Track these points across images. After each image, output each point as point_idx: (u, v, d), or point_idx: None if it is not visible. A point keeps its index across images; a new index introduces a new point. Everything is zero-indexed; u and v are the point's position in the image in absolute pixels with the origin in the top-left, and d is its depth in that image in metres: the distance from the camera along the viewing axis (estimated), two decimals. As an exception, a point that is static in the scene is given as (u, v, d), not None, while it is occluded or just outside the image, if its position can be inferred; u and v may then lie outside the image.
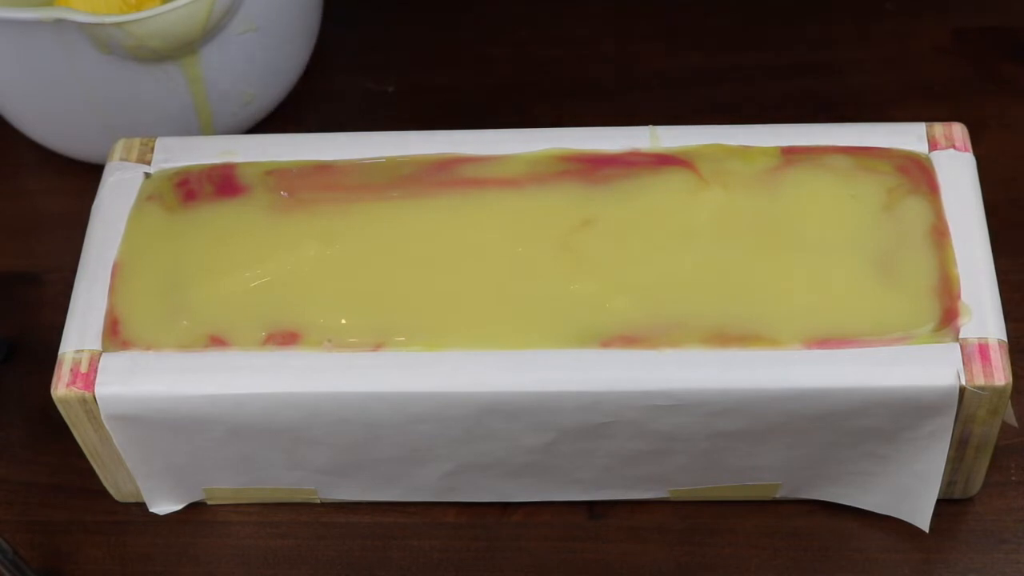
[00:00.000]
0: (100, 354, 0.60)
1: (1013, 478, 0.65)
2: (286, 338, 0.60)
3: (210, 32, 0.70)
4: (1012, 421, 0.60)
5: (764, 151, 0.64)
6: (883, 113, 0.78)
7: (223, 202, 0.64)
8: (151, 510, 0.65)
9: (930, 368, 0.58)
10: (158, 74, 0.71)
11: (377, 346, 0.60)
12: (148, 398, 0.60)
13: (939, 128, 0.65)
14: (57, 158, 0.78)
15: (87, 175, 0.73)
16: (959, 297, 0.59)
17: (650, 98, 0.80)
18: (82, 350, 0.60)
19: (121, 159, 0.66)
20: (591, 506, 0.65)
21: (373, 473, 0.63)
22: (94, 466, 0.64)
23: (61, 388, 0.60)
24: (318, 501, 0.65)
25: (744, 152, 0.64)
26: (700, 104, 0.79)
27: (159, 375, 0.60)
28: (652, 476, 0.63)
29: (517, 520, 0.65)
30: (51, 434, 0.66)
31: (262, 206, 0.64)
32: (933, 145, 0.64)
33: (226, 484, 0.64)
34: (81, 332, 0.61)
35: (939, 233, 0.61)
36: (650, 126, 0.66)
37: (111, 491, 0.66)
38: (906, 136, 0.65)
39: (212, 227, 0.64)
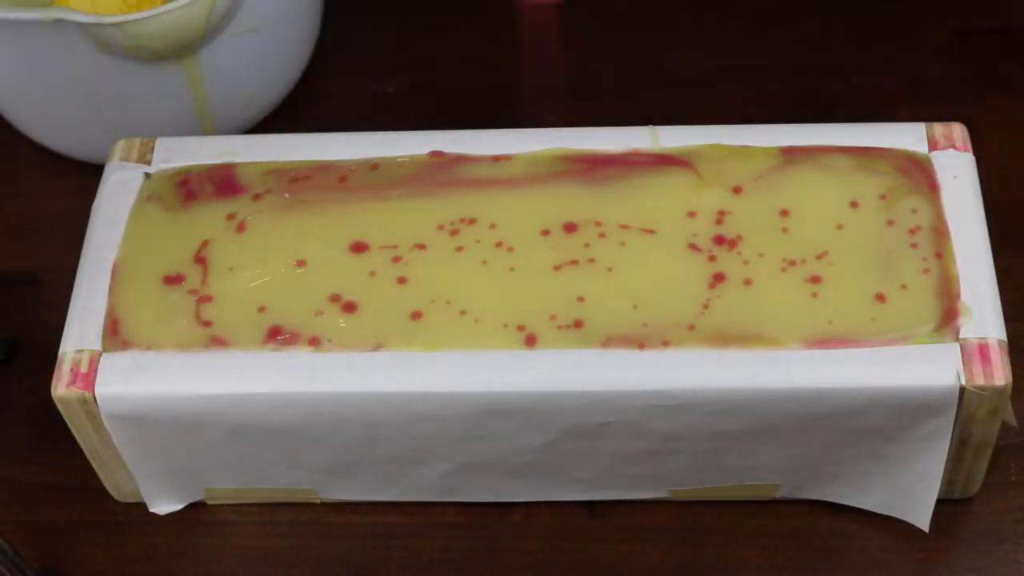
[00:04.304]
0: (100, 354, 0.60)
1: (1013, 478, 0.65)
2: (286, 338, 0.60)
3: (210, 32, 0.70)
4: (1012, 421, 0.60)
5: (764, 151, 0.64)
6: (883, 113, 0.78)
7: (223, 202, 0.64)
8: (151, 510, 0.65)
9: (930, 368, 0.58)
10: (158, 74, 0.71)
11: (377, 346, 0.60)
12: (148, 398, 0.60)
13: (939, 128, 0.65)
14: (57, 158, 0.78)
15: (87, 175, 0.73)
16: (959, 297, 0.59)
17: (650, 98, 0.80)
18: (82, 350, 0.60)
19: (121, 159, 0.66)
20: (591, 506, 0.65)
21: (373, 473, 0.63)
22: (94, 466, 0.64)
23: (61, 388, 0.60)
24: (318, 501, 0.65)
25: (744, 152, 0.64)
26: (700, 104, 0.79)
27: (159, 375, 0.60)
28: (652, 476, 0.63)
29: (517, 520, 0.65)
30: (51, 434, 0.66)
31: (262, 206, 0.64)
32: (933, 145, 0.64)
33: (226, 484, 0.64)
34: (81, 332, 0.61)
35: (939, 233, 0.61)
36: (650, 126, 0.66)
37: (111, 491, 0.66)
38: (906, 136, 0.65)
39: (212, 227, 0.64)
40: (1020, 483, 0.65)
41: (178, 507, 0.66)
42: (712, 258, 0.61)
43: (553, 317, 0.60)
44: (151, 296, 0.62)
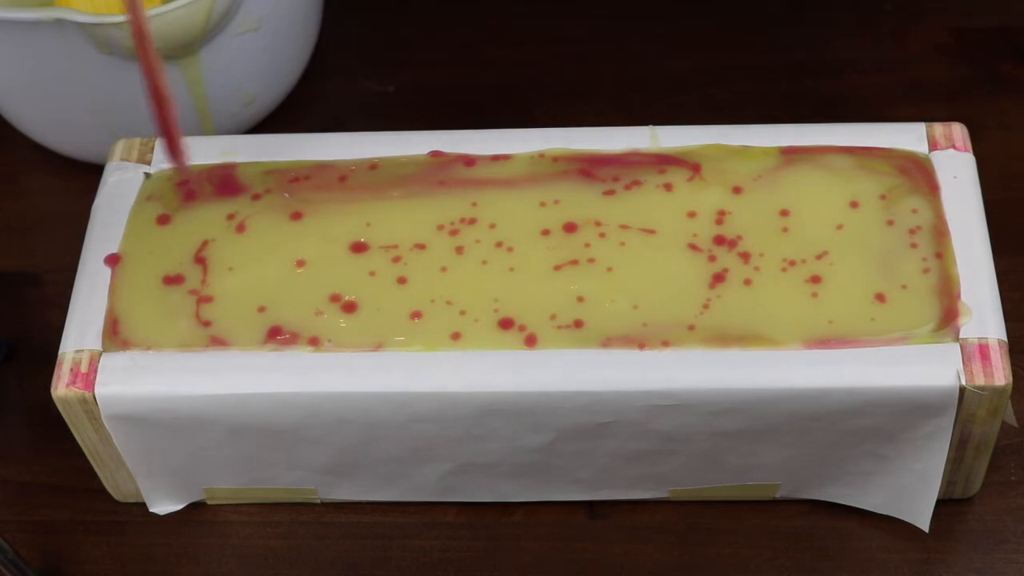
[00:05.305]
0: (100, 354, 0.60)
1: (1013, 478, 0.65)
2: (286, 338, 0.60)
3: (210, 32, 0.70)
4: (1012, 421, 0.60)
5: (764, 151, 0.64)
6: (883, 113, 0.78)
7: (223, 202, 0.64)
8: (151, 510, 0.65)
9: (930, 368, 0.58)
10: (158, 74, 0.71)
11: (377, 346, 0.60)
12: (148, 398, 0.60)
13: (939, 128, 0.65)
14: (57, 158, 0.78)
15: (87, 175, 0.73)
16: (959, 297, 0.60)
17: (650, 98, 0.80)
18: (82, 350, 0.60)
19: (121, 159, 0.66)
20: (591, 506, 0.65)
21: (373, 473, 0.63)
22: (94, 466, 0.64)
23: (61, 388, 0.60)
24: (318, 501, 0.65)
25: (744, 152, 0.64)
26: (700, 104, 0.79)
27: (159, 375, 0.60)
28: (652, 476, 0.63)
29: (517, 520, 0.65)
30: (51, 434, 0.66)
31: (262, 206, 0.64)
32: (933, 145, 0.64)
33: (226, 484, 0.64)
34: (81, 332, 0.61)
35: (939, 233, 0.61)
36: (650, 126, 0.66)
37: (111, 491, 0.66)
38: (906, 136, 0.65)
39: (212, 227, 0.64)
40: (1020, 483, 0.65)
41: (178, 507, 0.66)
42: (712, 258, 0.61)
43: (553, 317, 0.60)
44: (151, 296, 0.62)
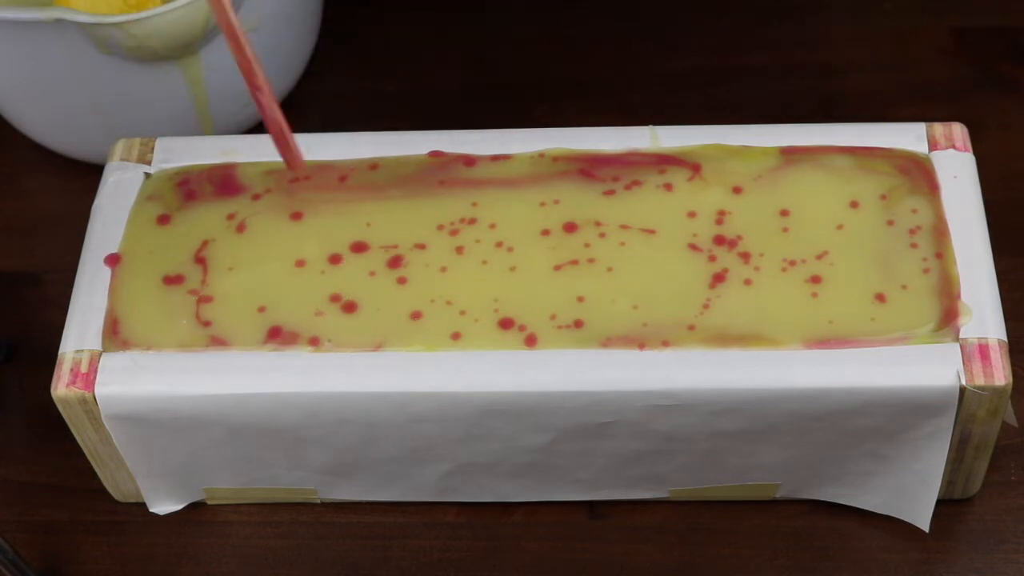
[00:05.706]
0: (100, 354, 0.60)
1: (1013, 478, 0.65)
2: (286, 338, 0.60)
3: (210, 32, 0.70)
4: (1012, 421, 0.60)
5: (764, 151, 0.64)
6: (883, 113, 0.78)
7: (223, 202, 0.64)
8: (151, 510, 0.65)
9: (930, 368, 0.58)
10: (158, 74, 0.71)
11: (377, 346, 0.60)
12: (148, 398, 0.60)
13: (939, 128, 0.65)
14: (57, 158, 0.78)
15: (87, 175, 0.73)
16: (959, 297, 0.60)
17: (650, 98, 0.80)
18: (82, 350, 0.60)
19: (121, 159, 0.66)
20: (591, 506, 0.65)
21: (373, 473, 0.63)
22: (94, 466, 0.64)
23: (61, 388, 0.60)
24: (318, 501, 0.65)
25: (744, 152, 0.64)
26: (700, 104, 0.79)
27: (159, 375, 0.60)
28: (652, 476, 0.63)
29: (517, 520, 0.65)
30: (51, 434, 0.66)
31: (262, 206, 0.64)
32: (933, 145, 0.64)
33: (226, 484, 0.64)
34: (81, 332, 0.61)
35: (939, 233, 0.61)
36: (650, 126, 0.66)
37: (111, 491, 0.66)
38: (906, 136, 0.65)
39: (212, 227, 0.64)
40: (1020, 483, 0.65)
41: (178, 507, 0.66)
42: (712, 258, 0.61)
43: (553, 317, 0.60)
44: (151, 296, 0.62)
